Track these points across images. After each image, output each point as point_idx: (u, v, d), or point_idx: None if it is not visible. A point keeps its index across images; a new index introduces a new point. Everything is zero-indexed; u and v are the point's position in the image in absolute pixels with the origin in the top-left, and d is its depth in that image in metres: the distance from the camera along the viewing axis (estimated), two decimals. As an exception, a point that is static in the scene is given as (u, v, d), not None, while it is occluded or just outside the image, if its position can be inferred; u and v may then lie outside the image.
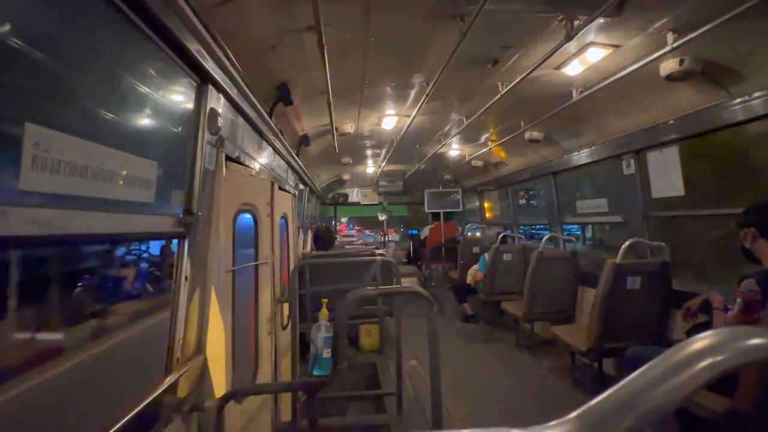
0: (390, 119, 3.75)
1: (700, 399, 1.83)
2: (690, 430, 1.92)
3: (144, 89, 1.10)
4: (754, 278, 1.80)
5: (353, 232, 11.90)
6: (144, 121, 1.12)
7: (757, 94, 2.16)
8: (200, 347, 1.44)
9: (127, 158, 0.99)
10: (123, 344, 1.31)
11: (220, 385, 1.54)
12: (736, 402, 1.74)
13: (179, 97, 1.31)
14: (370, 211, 9.75)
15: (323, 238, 4.26)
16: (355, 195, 8.86)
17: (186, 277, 1.34)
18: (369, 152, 5.79)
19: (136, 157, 1.04)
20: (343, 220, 11.49)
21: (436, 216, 7.78)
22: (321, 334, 1.41)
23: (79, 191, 0.82)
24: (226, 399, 1.46)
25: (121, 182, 0.97)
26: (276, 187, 2.63)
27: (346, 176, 7.61)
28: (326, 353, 1.40)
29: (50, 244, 0.78)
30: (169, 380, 1.19)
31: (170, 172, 1.27)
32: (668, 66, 2.20)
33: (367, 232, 11.81)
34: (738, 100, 2.26)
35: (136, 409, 1.01)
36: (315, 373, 1.41)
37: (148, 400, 1.06)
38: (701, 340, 0.31)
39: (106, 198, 0.91)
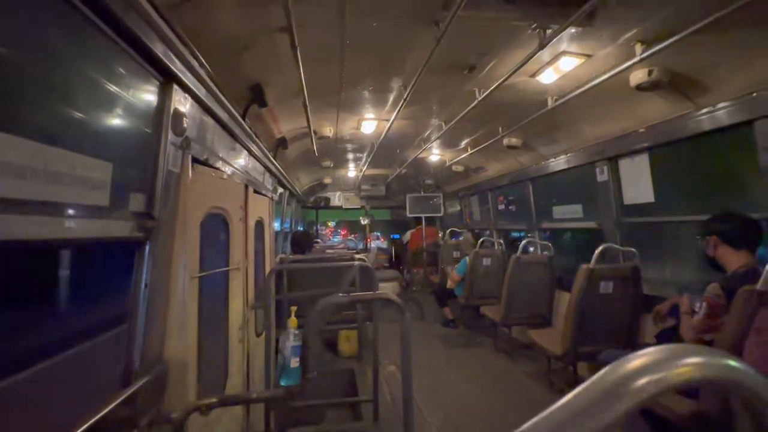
0: (369, 123, 3.74)
1: (666, 401, 1.87)
2: (658, 432, 1.96)
3: (100, 87, 1.05)
4: (719, 283, 1.86)
5: (339, 237, 11.78)
6: (99, 120, 1.07)
7: (720, 105, 2.24)
8: (161, 357, 1.38)
9: (77, 159, 0.94)
10: (77, 355, 1.24)
11: (184, 397, 1.47)
12: (701, 404, 1.78)
13: (141, 96, 1.25)
14: (352, 215, 9.70)
15: (300, 242, 4.23)
16: (337, 199, 8.80)
17: (146, 284, 1.28)
18: (350, 156, 5.76)
19: (88, 157, 0.98)
20: (331, 224, 11.39)
21: (418, 220, 7.82)
22: (289, 342, 1.37)
23: (17, 194, 0.76)
24: (188, 411, 1.39)
25: (70, 184, 0.91)
26: (251, 190, 2.57)
27: (327, 180, 7.55)
28: (294, 362, 1.36)
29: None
30: (126, 392, 1.13)
31: (130, 174, 1.21)
32: (638, 76, 2.27)
33: (351, 237, 11.73)
34: (704, 110, 2.34)
35: (86, 424, 0.95)
36: (282, 383, 1.36)
37: (100, 414, 1.00)
38: (638, 359, 0.30)
39: (51, 201, 0.85)
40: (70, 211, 0.92)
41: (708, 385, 0.29)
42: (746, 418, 0.30)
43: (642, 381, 0.28)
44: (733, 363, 0.29)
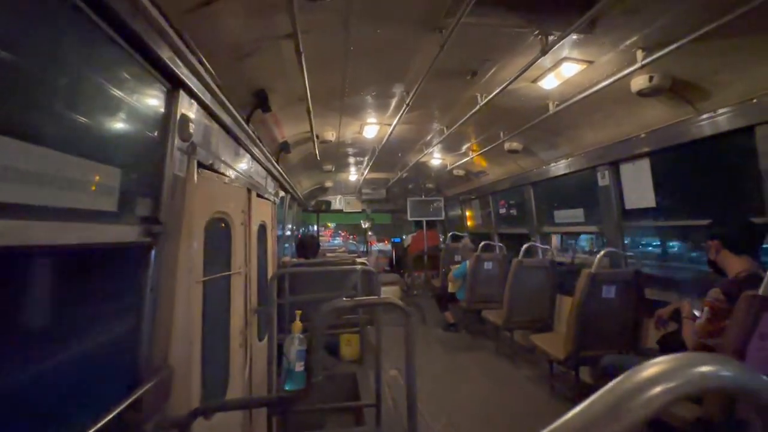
0: (371, 128, 3.75)
1: (670, 407, 1.87)
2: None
3: (109, 93, 1.06)
4: (720, 287, 1.86)
5: (339, 239, 11.75)
6: (108, 126, 1.08)
7: (721, 111, 2.26)
8: (167, 361, 1.38)
9: (88, 165, 0.95)
10: (83, 359, 1.24)
11: (188, 401, 1.48)
12: (705, 409, 1.78)
13: (148, 102, 1.27)
14: (353, 219, 9.71)
15: (307, 246, 4.18)
16: (338, 202, 8.81)
17: (152, 289, 1.29)
18: (352, 160, 5.77)
19: (98, 163, 0.99)
20: (331, 225, 11.37)
21: (418, 224, 7.83)
22: (294, 347, 1.37)
23: (31, 200, 0.77)
24: (192, 416, 1.40)
25: (81, 190, 0.93)
26: (254, 194, 2.58)
27: (328, 183, 7.56)
28: (299, 367, 1.36)
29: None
30: (131, 396, 1.14)
31: (137, 179, 1.23)
32: (639, 82, 2.28)
33: (351, 240, 11.71)
34: (705, 116, 2.36)
35: (93, 428, 0.95)
36: (287, 388, 1.36)
37: (107, 418, 1.01)
38: (651, 367, 0.30)
39: (63, 207, 0.86)
40: (81, 217, 0.93)
41: (722, 393, 0.30)
42: (762, 429, 0.30)
43: (656, 390, 0.29)
44: (748, 372, 0.30)
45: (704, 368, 0.30)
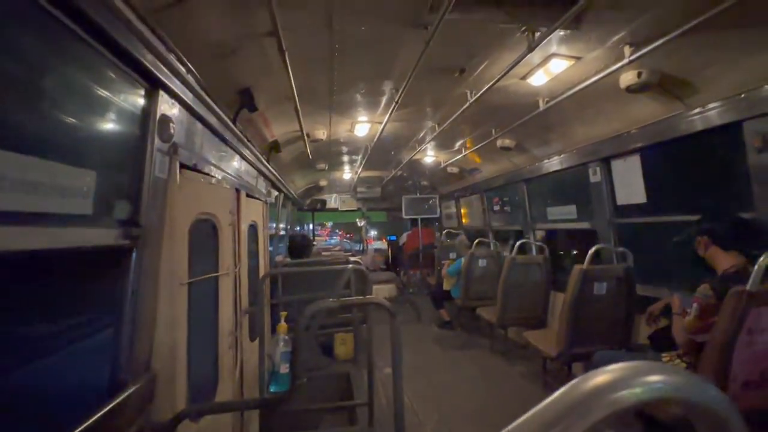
0: (362, 126, 3.73)
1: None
2: (652, 433, 1.96)
3: (82, 94, 1.04)
4: (709, 284, 1.86)
5: (336, 238, 11.71)
6: (82, 128, 1.06)
7: (710, 106, 2.25)
8: (150, 365, 1.37)
9: (57, 167, 0.93)
10: (62, 364, 1.22)
11: (173, 405, 1.46)
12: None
13: (126, 103, 1.24)
14: (348, 217, 9.69)
15: (298, 246, 4.14)
16: (333, 201, 8.78)
17: (133, 292, 1.27)
18: (345, 158, 5.75)
19: (69, 166, 0.97)
20: (328, 224, 11.32)
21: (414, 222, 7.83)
22: (278, 348, 1.36)
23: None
24: (177, 419, 1.38)
25: (51, 193, 0.90)
26: (243, 194, 2.56)
27: (323, 182, 7.53)
28: (284, 368, 1.35)
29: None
30: (112, 402, 1.12)
31: (115, 181, 1.21)
32: (627, 78, 2.28)
33: (346, 238, 11.68)
34: (695, 111, 2.35)
35: (75, 432, 0.94)
36: (272, 389, 1.35)
37: (86, 424, 0.99)
38: (600, 375, 0.29)
39: (28, 212, 0.84)
40: (51, 221, 0.91)
41: (669, 404, 0.29)
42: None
43: (601, 400, 0.28)
44: (698, 383, 0.29)
45: (652, 377, 0.29)
